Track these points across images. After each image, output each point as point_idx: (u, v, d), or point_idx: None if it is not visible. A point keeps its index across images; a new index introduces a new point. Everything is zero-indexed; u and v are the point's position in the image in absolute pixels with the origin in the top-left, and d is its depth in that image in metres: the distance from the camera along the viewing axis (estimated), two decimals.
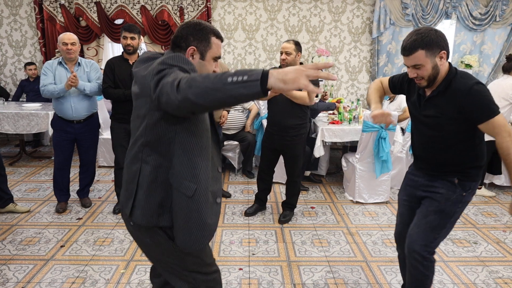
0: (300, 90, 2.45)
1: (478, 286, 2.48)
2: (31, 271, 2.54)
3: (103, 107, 4.74)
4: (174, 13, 5.52)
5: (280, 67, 3.12)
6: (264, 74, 1.02)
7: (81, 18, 5.57)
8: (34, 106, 4.74)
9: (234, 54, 5.82)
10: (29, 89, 5.44)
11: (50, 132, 3.99)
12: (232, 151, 4.53)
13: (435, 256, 1.93)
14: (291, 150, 3.23)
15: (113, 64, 3.24)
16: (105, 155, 4.78)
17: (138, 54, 3.35)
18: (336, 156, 5.39)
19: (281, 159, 3.40)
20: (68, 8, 5.52)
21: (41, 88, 3.16)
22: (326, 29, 5.75)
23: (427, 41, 1.64)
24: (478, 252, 2.91)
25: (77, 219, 3.35)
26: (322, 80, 5.64)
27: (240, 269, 2.63)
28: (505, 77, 3.84)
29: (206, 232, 1.39)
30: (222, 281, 2.44)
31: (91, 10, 5.49)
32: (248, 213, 3.47)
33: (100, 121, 3.67)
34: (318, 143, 3.88)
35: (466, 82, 1.67)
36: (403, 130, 4.27)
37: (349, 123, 4.04)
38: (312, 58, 5.66)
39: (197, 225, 1.36)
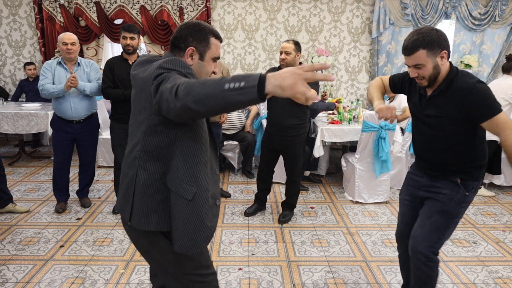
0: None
1: (478, 286, 2.48)
2: (30, 271, 2.53)
3: (103, 107, 4.74)
4: (173, 13, 5.51)
5: (279, 67, 3.12)
6: (261, 80, 1.01)
7: (80, 18, 5.57)
8: (34, 106, 4.74)
9: (234, 54, 5.82)
10: (29, 89, 5.44)
11: (50, 132, 3.99)
12: (232, 151, 4.53)
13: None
14: (290, 150, 3.23)
15: (112, 64, 3.24)
16: (104, 155, 4.78)
17: (138, 54, 3.35)
18: (335, 156, 5.39)
19: (280, 159, 3.39)
20: (68, 8, 5.51)
21: (40, 88, 3.15)
22: (325, 29, 5.75)
23: (428, 40, 1.64)
24: (477, 252, 2.91)
25: (76, 219, 3.34)
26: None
27: (240, 269, 2.63)
28: (504, 77, 3.84)
29: (206, 234, 1.40)
30: (222, 281, 2.45)
31: (90, 10, 5.49)
32: (248, 213, 3.46)
33: (100, 121, 3.66)
34: (318, 143, 3.88)
35: (468, 81, 1.67)
36: (402, 130, 4.27)
37: (349, 123, 4.04)
38: (312, 58, 5.66)
39: (197, 228, 1.36)
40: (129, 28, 3.17)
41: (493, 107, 1.63)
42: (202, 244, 1.39)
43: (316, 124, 4.21)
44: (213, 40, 1.42)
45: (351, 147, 4.29)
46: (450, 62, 1.75)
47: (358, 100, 4.74)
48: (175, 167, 1.34)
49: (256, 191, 3.53)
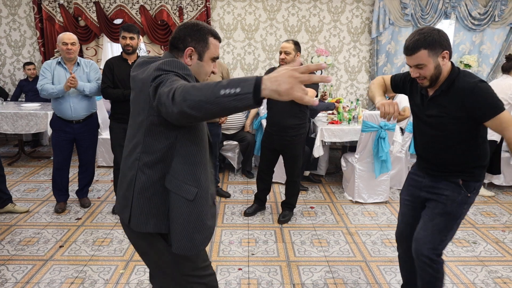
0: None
1: (477, 286, 2.48)
2: (29, 272, 2.53)
3: (102, 107, 4.74)
4: (173, 13, 5.51)
5: (279, 67, 3.12)
6: (257, 86, 0.99)
7: (80, 18, 5.56)
8: (33, 106, 4.74)
9: (234, 54, 5.82)
10: (28, 89, 5.44)
11: (49, 132, 3.99)
12: (232, 151, 4.53)
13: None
14: (290, 150, 3.23)
15: (112, 64, 3.24)
16: (104, 155, 4.78)
17: (137, 54, 3.35)
18: (335, 156, 5.39)
19: (280, 159, 3.39)
20: (67, 8, 5.51)
21: (40, 88, 3.15)
22: (325, 29, 5.75)
23: (430, 40, 1.64)
24: (477, 252, 2.92)
25: (76, 219, 3.34)
26: None
27: (240, 269, 2.62)
28: (504, 77, 3.84)
29: (206, 234, 1.40)
30: (222, 281, 2.45)
31: (90, 10, 5.49)
32: (248, 213, 3.46)
33: (99, 121, 3.66)
34: (318, 143, 3.88)
35: (469, 81, 1.67)
36: (402, 130, 4.27)
37: (349, 123, 4.04)
38: (312, 58, 5.66)
39: (197, 228, 1.36)
40: (129, 28, 3.17)
41: (496, 106, 1.62)
42: (201, 245, 1.39)
43: (315, 124, 4.21)
44: (211, 40, 1.42)
45: (350, 147, 4.29)
46: (452, 62, 1.75)
47: (357, 100, 4.74)
48: (175, 168, 1.34)
49: (256, 191, 3.53)
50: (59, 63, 3.24)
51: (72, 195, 3.66)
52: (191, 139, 1.35)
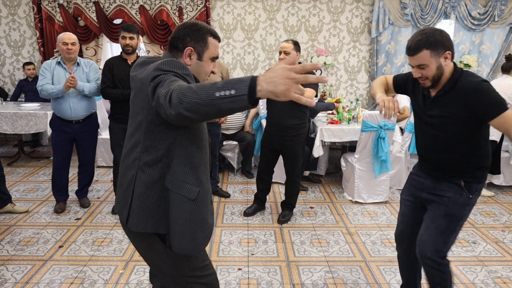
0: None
1: (477, 286, 2.48)
2: (29, 272, 2.53)
3: (102, 107, 4.74)
4: (173, 13, 5.51)
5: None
6: (252, 87, 0.99)
7: (79, 18, 5.56)
8: (33, 106, 4.74)
9: (233, 54, 5.82)
10: (28, 89, 5.43)
11: (49, 132, 3.98)
12: (231, 151, 4.53)
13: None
14: (290, 150, 3.23)
15: (112, 64, 3.24)
16: (104, 155, 4.77)
17: (137, 54, 3.35)
18: (335, 156, 5.39)
19: (280, 159, 3.39)
20: (67, 8, 5.51)
21: (39, 88, 3.15)
22: (325, 29, 5.75)
23: (432, 41, 1.64)
24: (477, 252, 2.91)
25: (75, 219, 3.34)
26: None
27: (239, 269, 2.62)
28: (504, 77, 3.85)
29: (207, 233, 1.41)
30: (221, 281, 2.45)
31: (89, 10, 5.48)
32: (247, 213, 3.46)
33: (99, 121, 3.66)
34: (317, 143, 3.88)
35: (472, 80, 1.67)
36: (402, 130, 4.27)
37: (348, 123, 4.04)
38: (311, 58, 5.65)
39: (200, 227, 1.37)
40: (128, 28, 3.17)
41: (500, 104, 1.62)
42: (203, 244, 1.40)
43: (315, 124, 4.21)
44: (211, 39, 1.42)
45: (350, 147, 4.29)
46: (454, 63, 1.75)
47: (357, 100, 4.74)
48: (175, 168, 1.34)
49: (256, 191, 3.53)
50: (58, 63, 3.23)
51: (72, 195, 3.66)
52: (191, 138, 1.35)
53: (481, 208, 3.76)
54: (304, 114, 3.19)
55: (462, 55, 5.66)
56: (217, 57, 1.47)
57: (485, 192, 4.10)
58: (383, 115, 1.78)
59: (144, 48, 5.74)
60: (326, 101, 4.66)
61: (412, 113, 4.06)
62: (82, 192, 3.61)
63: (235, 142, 4.51)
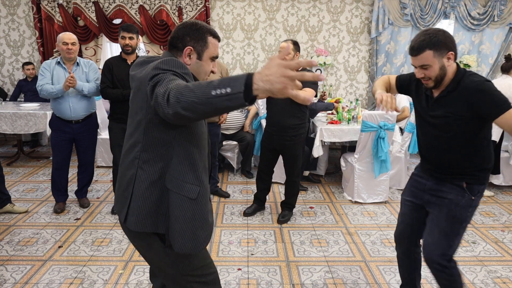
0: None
1: (477, 286, 2.48)
2: (28, 272, 2.53)
3: (102, 107, 4.73)
4: (172, 13, 5.51)
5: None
6: (248, 85, 0.98)
7: (79, 18, 5.56)
8: (32, 106, 4.73)
9: (233, 54, 5.82)
10: (27, 89, 5.43)
11: (48, 132, 3.98)
12: (231, 151, 4.53)
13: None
14: (290, 150, 3.23)
15: (111, 64, 3.23)
16: (103, 155, 4.77)
17: (137, 54, 3.34)
18: (335, 156, 5.39)
19: (280, 159, 3.39)
20: (66, 8, 5.50)
21: (39, 88, 3.15)
22: (324, 29, 5.75)
23: (435, 41, 1.64)
24: (476, 252, 2.91)
25: (75, 219, 3.34)
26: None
27: (239, 269, 2.62)
28: (503, 77, 3.85)
29: (208, 231, 1.42)
30: (221, 282, 2.43)
31: (89, 10, 5.48)
32: (247, 213, 3.46)
33: (99, 121, 3.66)
34: (317, 143, 3.88)
35: (475, 80, 1.67)
36: (401, 130, 4.27)
37: (348, 123, 4.04)
38: (311, 58, 5.65)
39: (200, 225, 1.37)
40: (128, 28, 3.16)
41: (503, 102, 1.62)
42: (204, 242, 1.40)
43: (315, 124, 4.21)
44: (210, 39, 1.42)
45: (350, 147, 4.29)
46: (457, 64, 1.75)
47: (357, 100, 4.74)
48: (175, 167, 1.34)
49: (255, 191, 3.52)
50: (58, 63, 3.23)
51: (71, 195, 3.66)
52: (190, 137, 1.35)
53: (481, 208, 3.76)
54: (304, 114, 3.19)
55: (462, 55, 5.66)
56: (216, 57, 1.47)
57: (484, 192, 4.10)
58: (380, 108, 1.79)
59: (143, 48, 5.74)
60: (325, 101, 4.66)
61: (414, 113, 4.07)
62: (81, 192, 3.60)
63: (235, 142, 4.51)
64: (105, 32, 5.53)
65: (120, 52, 3.28)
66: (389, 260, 2.77)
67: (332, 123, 4.07)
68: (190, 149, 1.35)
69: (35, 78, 5.33)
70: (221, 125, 3.96)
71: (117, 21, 5.56)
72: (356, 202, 3.82)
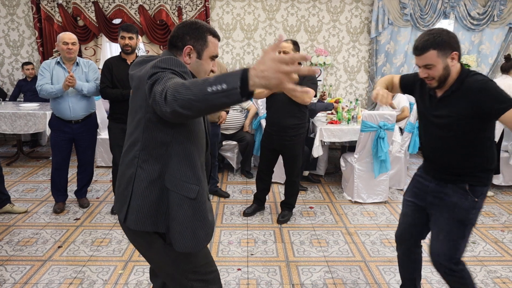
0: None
1: (477, 285, 2.48)
2: (28, 272, 2.52)
3: (101, 107, 4.73)
4: (172, 12, 5.50)
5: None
6: (243, 80, 0.98)
7: (79, 18, 5.55)
8: (32, 106, 4.73)
9: (233, 54, 5.81)
10: (27, 89, 5.43)
11: (48, 132, 3.98)
12: (231, 151, 4.53)
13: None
14: (290, 150, 3.22)
15: (111, 64, 3.23)
16: (103, 155, 4.77)
17: (136, 54, 3.34)
18: (334, 156, 5.38)
19: (280, 159, 3.39)
20: (66, 8, 5.50)
21: (38, 88, 3.15)
22: (324, 29, 5.75)
23: (439, 41, 1.64)
24: (476, 252, 2.91)
25: (74, 219, 3.33)
26: (320, 80, 5.65)
27: (239, 269, 2.62)
28: (503, 77, 3.85)
29: (209, 230, 1.42)
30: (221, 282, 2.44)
31: (89, 10, 5.48)
32: (247, 213, 3.46)
33: (98, 121, 3.66)
34: (317, 143, 3.88)
35: (478, 79, 1.67)
36: (401, 130, 4.27)
37: (348, 123, 4.04)
38: (311, 58, 5.65)
39: (200, 224, 1.37)
40: (128, 28, 3.16)
41: (507, 100, 1.62)
42: (205, 241, 1.40)
43: (315, 124, 4.21)
44: (210, 38, 1.42)
45: (350, 147, 4.29)
46: (461, 64, 1.74)
47: (357, 100, 4.74)
48: (174, 167, 1.34)
49: (255, 191, 3.52)
50: (58, 63, 3.23)
51: (71, 195, 3.65)
52: (188, 135, 1.35)
53: None
54: (303, 114, 3.19)
55: (461, 55, 5.66)
56: (216, 56, 1.47)
57: None
58: (378, 102, 1.82)
59: (143, 48, 5.74)
60: (325, 101, 4.66)
61: (414, 114, 4.06)
62: (81, 192, 3.60)
63: (235, 142, 4.51)
64: (105, 32, 5.53)
65: (120, 52, 3.28)
66: (388, 260, 2.77)
67: (332, 123, 4.06)
68: (189, 147, 1.35)
69: (34, 78, 5.32)
70: (221, 125, 3.96)
71: (116, 21, 5.56)
72: (356, 202, 3.81)
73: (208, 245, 2.80)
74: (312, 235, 3.15)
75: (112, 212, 3.46)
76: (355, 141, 3.79)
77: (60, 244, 2.90)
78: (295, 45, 3.06)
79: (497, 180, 4.23)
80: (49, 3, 5.48)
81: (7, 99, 5.65)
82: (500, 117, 1.63)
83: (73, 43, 3.17)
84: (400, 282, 2.22)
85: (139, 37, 3.40)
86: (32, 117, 4.40)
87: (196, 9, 5.52)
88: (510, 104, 1.61)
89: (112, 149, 3.36)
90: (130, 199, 1.37)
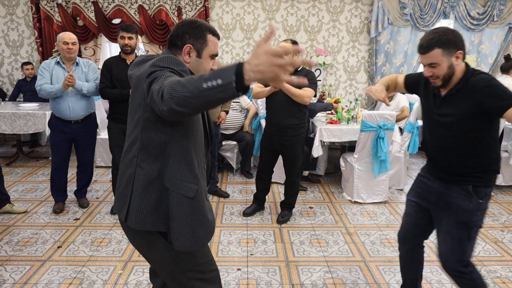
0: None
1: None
2: (28, 272, 2.52)
3: (101, 107, 4.73)
4: (172, 12, 5.50)
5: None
6: (239, 75, 0.97)
7: (78, 18, 5.55)
8: (31, 106, 4.72)
9: (232, 53, 5.81)
10: (26, 89, 5.42)
11: (48, 132, 3.97)
12: (231, 151, 4.53)
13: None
14: (289, 150, 3.22)
15: (110, 64, 3.23)
16: (102, 155, 4.77)
17: (136, 54, 3.34)
18: (334, 156, 5.38)
19: (279, 159, 3.39)
20: (65, 8, 5.49)
21: (38, 88, 3.15)
22: (324, 29, 5.75)
23: (444, 40, 1.64)
24: (476, 252, 2.91)
25: (74, 219, 3.33)
26: (320, 80, 5.65)
27: (239, 269, 2.62)
28: (503, 77, 3.85)
29: (209, 229, 1.41)
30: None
31: (88, 10, 5.47)
32: (247, 213, 3.46)
33: (98, 121, 3.65)
34: (317, 143, 3.88)
35: (482, 77, 1.68)
36: (401, 130, 4.27)
37: (347, 123, 4.04)
38: (311, 58, 5.65)
39: (200, 223, 1.37)
40: (127, 28, 3.16)
41: (511, 97, 1.61)
42: (205, 240, 1.40)
43: (314, 124, 4.20)
44: (210, 37, 1.42)
45: (349, 147, 4.29)
46: (466, 63, 1.74)
47: (356, 100, 4.73)
48: (173, 166, 1.34)
49: (255, 191, 3.52)
50: (57, 62, 3.23)
51: (71, 195, 3.65)
52: (186, 134, 1.35)
53: None
54: (303, 114, 3.19)
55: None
56: (216, 55, 1.47)
57: None
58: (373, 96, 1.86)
59: (143, 48, 5.74)
60: (325, 101, 4.66)
61: (421, 113, 4.07)
62: (81, 192, 3.60)
63: (234, 142, 4.51)
64: (104, 32, 5.53)
65: (119, 52, 3.28)
66: (388, 260, 2.77)
67: (332, 123, 4.06)
68: (187, 146, 1.35)
69: (34, 78, 5.32)
70: (221, 125, 3.96)
71: (116, 21, 5.56)
72: (355, 202, 3.81)
73: (208, 245, 2.81)
74: (312, 235, 3.15)
75: (112, 212, 3.46)
76: (355, 141, 3.79)
77: (60, 244, 2.90)
78: (295, 45, 3.06)
79: (497, 180, 4.22)
80: (49, 3, 5.48)
81: (6, 99, 5.65)
82: (504, 113, 1.62)
83: (73, 43, 3.17)
84: (400, 282, 2.22)
85: (139, 37, 3.40)
86: (32, 117, 4.40)
87: (195, 9, 5.52)
88: None
89: (111, 149, 3.36)
90: (130, 199, 1.37)
